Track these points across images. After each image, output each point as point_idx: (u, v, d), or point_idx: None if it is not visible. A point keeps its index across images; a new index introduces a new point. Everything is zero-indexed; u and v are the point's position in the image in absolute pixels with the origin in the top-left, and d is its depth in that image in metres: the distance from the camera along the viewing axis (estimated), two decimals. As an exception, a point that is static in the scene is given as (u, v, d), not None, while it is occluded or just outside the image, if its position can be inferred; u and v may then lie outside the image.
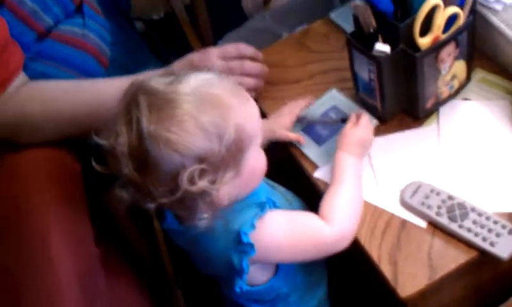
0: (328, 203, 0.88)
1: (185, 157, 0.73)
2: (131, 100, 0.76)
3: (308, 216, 0.87)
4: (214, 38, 1.52)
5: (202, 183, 0.74)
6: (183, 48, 1.64)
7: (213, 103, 0.75)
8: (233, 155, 0.76)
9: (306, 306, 0.98)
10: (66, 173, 1.02)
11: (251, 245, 0.80)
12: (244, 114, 0.78)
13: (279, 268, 0.91)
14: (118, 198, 0.80)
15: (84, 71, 1.15)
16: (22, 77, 1.02)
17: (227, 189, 0.77)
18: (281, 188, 0.98)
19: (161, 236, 1.39)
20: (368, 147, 0.94)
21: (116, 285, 1.01)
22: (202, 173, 0.74)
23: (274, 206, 0.86)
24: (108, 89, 1.05)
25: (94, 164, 0.80)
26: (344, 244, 0.86)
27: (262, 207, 0.82)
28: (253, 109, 0.81)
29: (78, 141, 1.06)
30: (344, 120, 0.98)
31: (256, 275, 0.89)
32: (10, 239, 0.90)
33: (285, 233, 0.84)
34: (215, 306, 1.09)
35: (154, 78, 0.78)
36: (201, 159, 0.74)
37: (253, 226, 0.80)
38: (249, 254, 0.80)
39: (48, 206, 0.94)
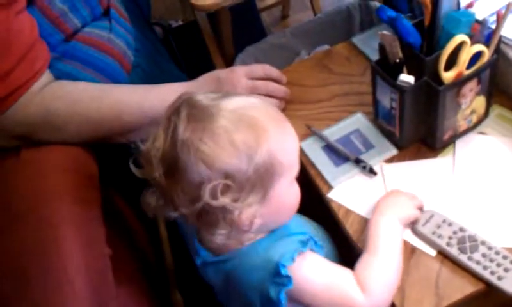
0: (364, 270, 0.84)
1: (212, 169, 0.75)
2: (175, 109, 0.79)
3: (349, 275, 0.84)
4: (235, 52, 1.54)
5: (224, 200, 0.75)
6: (200, 57, 1.67)
7: (249, 124, 0.77)
8: (261, 178, 0.77)
9: None
10: (83, 172, 1.03)
11: (289, 278, 0.78)
12: (281, 143, 0.79)
13: None
14: (146, 203, 0.82)
15: (107, 74, 1.17)
16: (47, 75, 1.04)
17: (250, 213, 0.77)
18: (314, 224, 0.98)
19: (166, 241, 1.41)
20: (408, 214, 0.91)
21: (122, 285, 1.02)
22: (226, 189, 0.75)
23: (316, 245, 0.84)
24: (132, 96, 1.07)
25: (132, 166, 0.83)
26: None
27: (304, 243, 0.81)
28: (291, 141, 0.82)
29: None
30: (358, 161, 1.01)
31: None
32: (23, 228, 0.92)
33: (323, 283, 0.82)
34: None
35: (202, 93, 0.81)
36: (227, 175, 0.75)
37: (292, 260, 0.79)
38: (287, 287, 0.79)
39: (64, 204, 0.96)
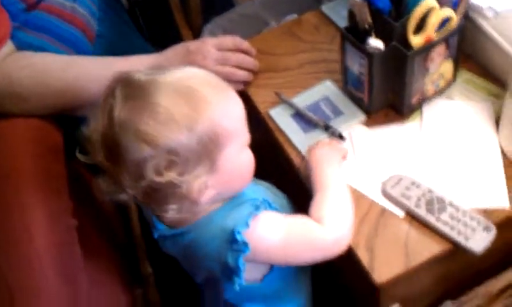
0: (317, 207, 0.87)
1: (153, 147, 0.74)
2: (110, 89, 0.77)
3: (304, 218, 0.86)
4: (202, 22, 1.53)
5: (169, 175, 0.74)
6: (167, 29, 1.65)
7: (188, 95, 0.76)
8: (206, 148, 0.76)
9: (297, 302, 0.99)
10: (48, 145, 1.02)
11: (246, 244, 0.79)
12: (224, 111, 0.78)
13: (273, 265, 0.90)
14: (99, 188, 0.81)
15: (70, 44, 1.15)
16: (9, 46, 1.03)
17: (200, 184, 0.77)
18: (265, 183, 0.98)
19: (135, 212, 1.40)
20: (338, 155, 0.95)
21: (91, 257, 1.02)
22: (171, 164, 0.75)
23: (270, 207, 0.85)
24: (98, 68, 1.06)
25: (78, 154, 0.81)
26: (339, 247, 0.85)
27: (257, 207, 0.82)
28: (235, 107, 0.81)
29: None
30: (327, 127, 1.01)
31: (251, 273, 0.88)
32: None
33: (281, 234, 0.83)
34: (186, 286, 1.11)
35: (138, 71, 0.79)
36: (169, 150, 0.74)
37: (247, 225, 0.79)
38: (244, 253, 0.79)
39: (29, 178, 0.95)
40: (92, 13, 1.23)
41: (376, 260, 0.87)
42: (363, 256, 0.87)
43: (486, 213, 0.89)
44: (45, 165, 0.98)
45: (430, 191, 0.90)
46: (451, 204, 0.88)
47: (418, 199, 0.90)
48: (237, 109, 0.81)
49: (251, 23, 1.42)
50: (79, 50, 1.16)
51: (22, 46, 1.05)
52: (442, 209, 0.88)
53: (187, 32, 1.53)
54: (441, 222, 0.87)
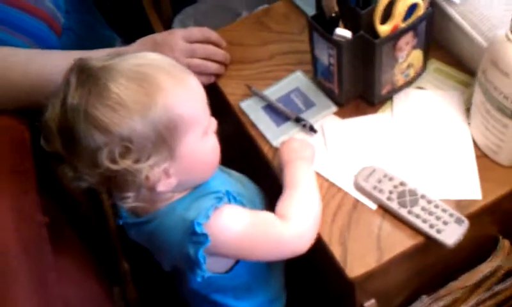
0: (283, 204, 0.86)
1: (106, 134, 0.73)
2: (66, 77, 0.76)
3: (267, 214, 0.85)
4: (173, 13, 1.50)
5: (124, 163, 0.73)
6: (138, 20, 1.62)
7: (141, 81, 0.74)
8: (162, 136, 0.75)
9: (267, 295, 0.99)
10: (13, 141, 1.00)
11: (205, 236, 0.78)
12: (180, 98, 0.76)
13: None
14: (64, 176, 0.79)
15: (36, 38, 1.12)
16: None
17: (158, 172, 0.76)
18: (236, 174, 0.97)
19: (109, 207, 1.38)
20: (310, 151, 0.94)
21: (62, 254, 1.00)
22: (125, 151, 0.73)
23: (235, 200, 0.83)
24: (61, 61, 1.02)
25: (42, 142, 0.79)
26: (302, 243, 0.84)
27: (219, 199, 0.80)
28: (193, 93, 0.79)
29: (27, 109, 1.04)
30: (299, 120, 1.00)
31: (217, 264, 0.87)
32: None
33: (241, 228, 0.82)
34: (161, 279, 1.09)
35: (96, 58, 0.77)
36: (122, 138, 0.73)
37: (207, 217, 0.78)
38: (204, 245, 0.78)
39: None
40: (58, 5, 1.20)
41: (348, 255, 0.85)
42: (336, 250, 0.86)
43: (459, 205, 0.87)
44: (10, 163, 0.95)
45: (402, 184, 0.89)
46: (423, 197, 0.87)
47: (391, 192, 0.88)
48: (196, 95, 0.79)
49: (222, 14, 1.40)
50: (45, 43, 1.14)
51: None
52: (414, 202, 0.87)
53: (158, 24, 1.51)
54: (414, 215, 0.86)
